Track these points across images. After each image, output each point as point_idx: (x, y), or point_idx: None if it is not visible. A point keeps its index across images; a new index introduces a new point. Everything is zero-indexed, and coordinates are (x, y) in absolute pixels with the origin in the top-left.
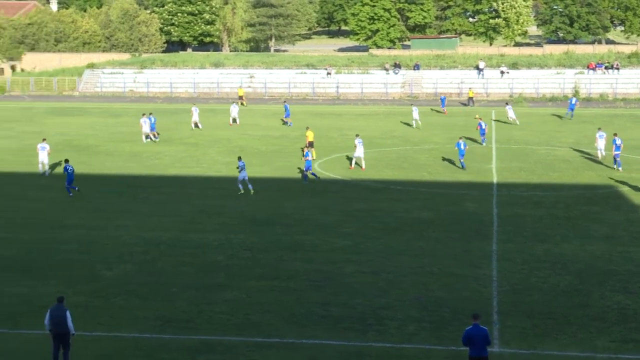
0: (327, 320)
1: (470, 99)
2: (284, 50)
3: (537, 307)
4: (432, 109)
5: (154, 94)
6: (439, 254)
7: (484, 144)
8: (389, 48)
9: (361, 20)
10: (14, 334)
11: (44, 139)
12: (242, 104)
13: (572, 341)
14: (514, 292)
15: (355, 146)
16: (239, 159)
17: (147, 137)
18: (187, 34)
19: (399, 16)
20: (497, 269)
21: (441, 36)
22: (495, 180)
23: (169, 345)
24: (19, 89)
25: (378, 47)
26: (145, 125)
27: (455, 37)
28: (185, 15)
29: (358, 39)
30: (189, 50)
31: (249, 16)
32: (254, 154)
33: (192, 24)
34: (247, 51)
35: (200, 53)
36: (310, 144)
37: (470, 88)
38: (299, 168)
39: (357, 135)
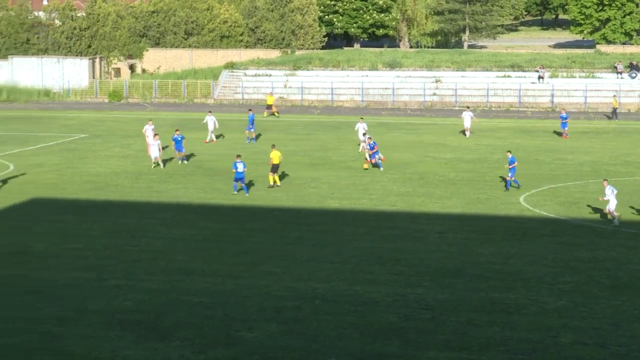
0: None
1: (614, 110)
2: (482, 47)
3: None
4: (555, 132)
5: (309, 103)
6: None
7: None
8: (624, 44)
9: (586, 7)
10: None
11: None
12: (274, 114)
13: None
14: None
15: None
16: None
17: (156, 163)
18: (355, 25)
19: (638, 0)
20: None
21: None
22: None
23: None
24: (139, 95)
25: (609, 42)
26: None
27: None
28: (353, 0)
29: (581, 32)
30: (357, 45)
31: (436, 2)
32: (439, 182)
33: (362, 11)
34: (432, 47)
35: (371, 50)
36: (275, 168)
37: (614, 96)
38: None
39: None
